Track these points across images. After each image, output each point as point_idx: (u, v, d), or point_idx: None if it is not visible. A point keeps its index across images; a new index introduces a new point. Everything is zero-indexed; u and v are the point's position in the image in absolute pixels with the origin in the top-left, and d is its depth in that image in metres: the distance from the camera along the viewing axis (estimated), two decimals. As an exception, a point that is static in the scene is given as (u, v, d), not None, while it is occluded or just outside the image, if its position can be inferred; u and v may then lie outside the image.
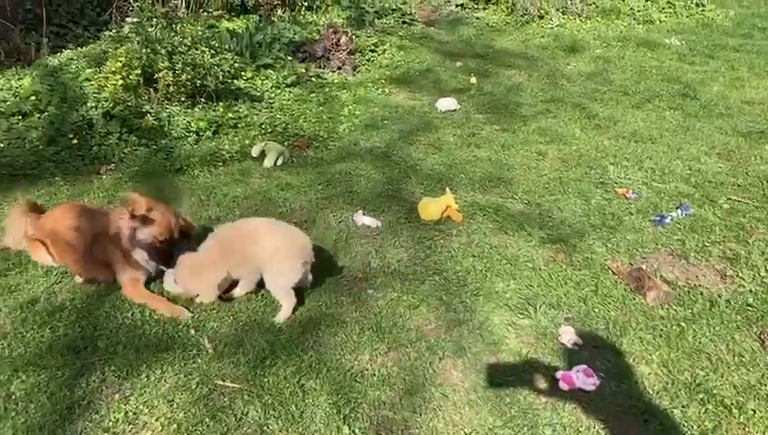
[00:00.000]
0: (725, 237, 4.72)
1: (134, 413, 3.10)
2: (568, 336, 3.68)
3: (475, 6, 11.52)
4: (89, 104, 6.07)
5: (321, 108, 6.93)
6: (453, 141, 6.30)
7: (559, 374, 3.41)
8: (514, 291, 4.08)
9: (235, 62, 7.34)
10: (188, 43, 6.50)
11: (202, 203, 4.98)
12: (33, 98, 6.14)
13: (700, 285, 4.19)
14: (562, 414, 3.19)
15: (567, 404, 3.24)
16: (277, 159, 5.65)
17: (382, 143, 6.21)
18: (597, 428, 3.12)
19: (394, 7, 10.68)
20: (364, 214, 4.87)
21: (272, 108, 6.85)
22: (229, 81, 6.94)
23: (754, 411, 3.23)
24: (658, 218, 4.92)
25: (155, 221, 3.79)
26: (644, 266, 4.32)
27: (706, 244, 4.63)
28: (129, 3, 8.14)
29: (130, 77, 6.21)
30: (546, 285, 4.15)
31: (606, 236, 4.70)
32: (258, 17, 9.28)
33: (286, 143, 6.01)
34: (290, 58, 7.99)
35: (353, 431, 3.06)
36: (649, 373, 3.46)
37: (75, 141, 5.61)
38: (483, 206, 5.07)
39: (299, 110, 6.84)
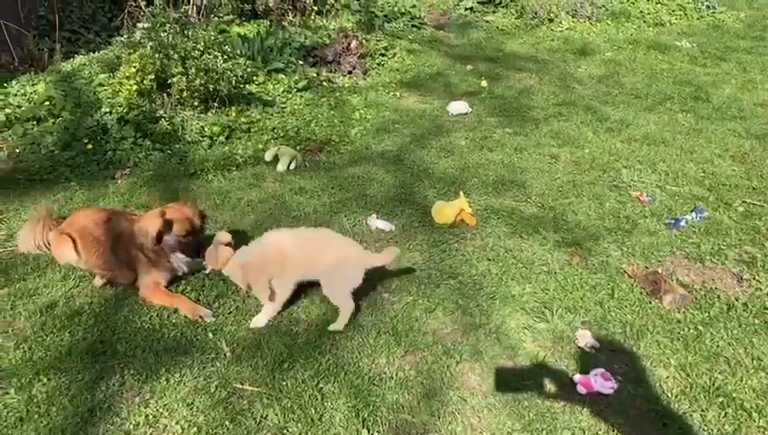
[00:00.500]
0: (741, 240, 4.70)
1: (154, 416, 3.12)
2: (585, 340, 3.68)
3: (485, 10, 11.53)
4: (103, 109, 6.11)
5: (332, 112, 6.96)
6: (465, 145, 6.31)
7: (577, 378, 3.41)
8: (530, 294, 4.08)
9: (247, 66, 7.39)
10: (201, 49, 6.53)
11: (216, 207, 5.00)
12: (48, 103, 6.19)
13: (717, 289, 4.18)
14: (581, 418, 3.19)
15: (585, 408, 3.24)
16: (290, 163, 5.67)
17: (394, 147, 6.22)
18: (615, 431, 3.12)
19: (403, 11, 10.70)
20: (378, 218, 4.88)
21: (283, 112, 6.88)
22: (241, 85, 6.98)
23: (774, 415, 3.22)
24: (673, 221, 4.91)
25: (173, 221, 3.85)
26: (660, 270, 4.32)
27: (722, 247, 4.62)
28: (141, 8, 8.19)
29: (144, 82, 6.25)
30: (562, 289, 4.14)
31: (621, 240, 4.70)
32: (269, 22, 9.32)
33: (299, 147, 6.03)
34: (301, 62, 8.02)
35: (372, 435, 3.07)
36: (667, 377, 3.45)
37: (90, 146, 5.65)
38: (496, 209, 5.08)
39: (310, 114, 6.86)
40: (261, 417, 3.14)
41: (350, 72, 8.11)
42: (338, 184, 5.43)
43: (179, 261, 4.01)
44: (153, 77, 6.31)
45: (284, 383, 3.33)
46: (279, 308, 3.80)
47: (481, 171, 5.74)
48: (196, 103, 6.44)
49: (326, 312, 3.86)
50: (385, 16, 10.28)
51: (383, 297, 4.03)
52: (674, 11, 11.50)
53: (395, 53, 8.94)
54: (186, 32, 6.99)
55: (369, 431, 3.08)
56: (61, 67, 7.22)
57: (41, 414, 3.10)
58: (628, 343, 3.71)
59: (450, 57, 9.15)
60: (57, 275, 4.10)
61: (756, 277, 4.28)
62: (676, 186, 5.52)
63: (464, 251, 4.54)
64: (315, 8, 9.79)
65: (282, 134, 6.33)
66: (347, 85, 7.77)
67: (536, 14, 10.89)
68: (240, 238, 4.54)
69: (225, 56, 6.74)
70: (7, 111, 6.14)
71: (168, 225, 3.85)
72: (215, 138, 6.07)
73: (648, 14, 11.26)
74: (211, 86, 6.44)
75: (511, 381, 3.42)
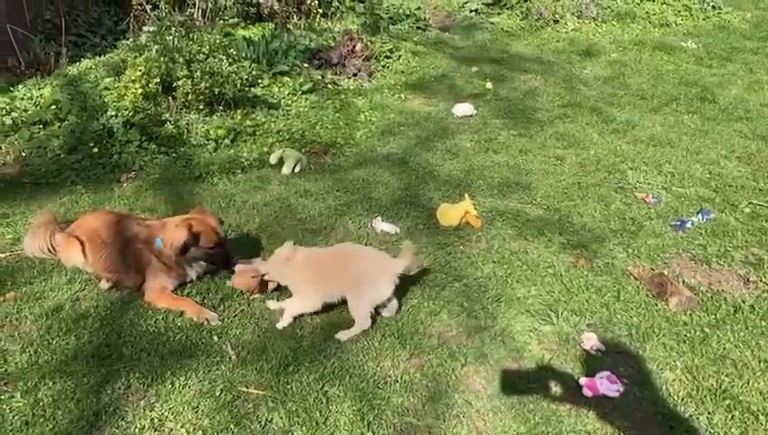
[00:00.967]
0: (748, 242, 4.68)
1: (159, 420, 3.13)
2: (590, 342, 3.67)
3: (490, 11, 11.51)
4: (109, 113, 6.13)
5: (337, 114, 6.96)
6: (470, 147, 6.30)
7: (582, 381, 3.39)
8: (536, 297, 4.07)
9: (252, 69, 7.40)
10: (206, 52, 6.55)
11: (222, 210, 5.01)
12: (54, 107, 6.22)
13: (723, 291, 4.16)
14: (586, 421, 3.18)
15: (591, 411, 3.23)
16: (295, 165, 5.68)
17: (399, 149, 6.22)
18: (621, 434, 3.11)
19: (408, 13, 10.71)
20: (383, 220, 4.88)
21: (289, 115, 6.89)
22: (246, 88, 6.99)
23: (782, 418, 3.20)
24: (679, 223, 4.89)
25: (200, 233, 3.89)
26: (666, 272, 4.30)
27: (728, 248, 4.60)
28: (147, 12, 8.22)
29: (150, 85, 6.27)
30: (567, 291, 4.13)
31: (626, 242, 4.68)
32: (274, 25, 9.33)
33: (304, 150, 6.04)
34: (306, 65, 8.03)
35: (377, 438, 3.07)
36: (674, 380, 3.44)
37: (96, 150, 5.67)
38: (502, 211, 5.07)
39: (316, 116, 6.87)
40: (266, 420, 3.14)
41: (354, 75, 8.12)
42: (343, 187, 5.43)
43: (194, 269, 4.05)
44: (158, 80, 6.33)
45: (289, 387, 3.33)
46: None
47: (486, 173, 5.73)
48: (201, 106, 6.46)
49: (331, 315, 3.85)
50: (390, 18, 10.29)
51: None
52: (679, 11, 11.45)
53: (400, 56, 8.94)
54: (191, 35, 7.02)
55: (373, 434, 3.08)
56: (67, 71, 7.25)
57: (46, 418, 3.10)
58: (633, 345, 3.69)
59: (455, 59, 9.14)
60: (63, 278, 4.11)
61: (763, 279, 4.26)
62: (682, 187, 5.50)
63: (469, 253, 4.53)
64: (320, 11, 9.80)
65: (287, 137, 6.34)
66: (352, 88, 7.78)
67: (541, 15, 10.87)
68: (244, 241, 4.57)
69: (231, 59, 6.76)
70: (14, 114, 6.18)
71: (195, 237, 3.87)
72: (220, 141, 6.09)
73: (654, 14, 11.23)
74: (216, 89, 6.45)
75: (516, 383, 3.41)
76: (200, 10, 8.77)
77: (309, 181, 5.52)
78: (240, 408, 3.21)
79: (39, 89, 6.69)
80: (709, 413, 3.22)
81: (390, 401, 3.28)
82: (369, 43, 8.81)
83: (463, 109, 7.15)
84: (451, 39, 10.23)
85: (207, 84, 6.34)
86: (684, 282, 4.22)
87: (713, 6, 11.68)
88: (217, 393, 3.28)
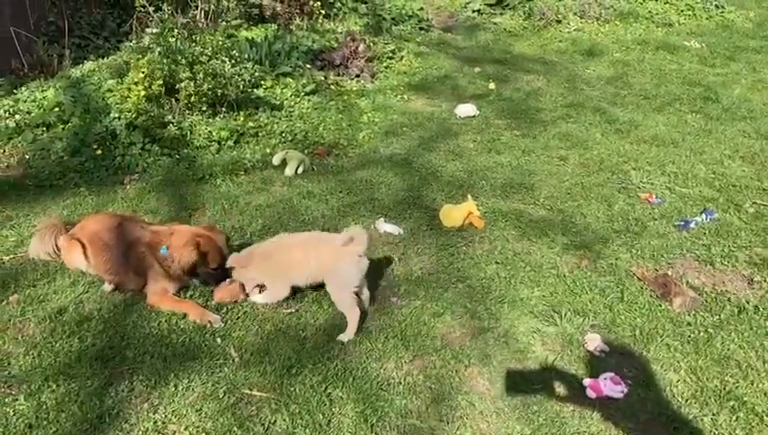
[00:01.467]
0: (752, 242, 4.67)
1: (163, 422, 3.13)
2: (594, 343, 3.66)
3: (492, 12, 11.49)
4: (112, 115, 6.13)
5: (340, 115, 6.96)
6: (473, 147, 6.30)
7: (586, 382, 3.39)
8: (539, 298, 4.07)
9: (255, 71, 7.40)
10: (209, 53, 6.54)
11: (225, 212, 5.01)
12: (57, 109, 6.22)
13: (727, 291, 4.15)
14: (590, 422, 3.18)
15: (595, 412, 3.23)
16: (298, 167, 5.68)
17: (402, 150, 6.22)
18: (626, 436, 3.10)
19: (411, 14, 10.69)
20: (386, 221, 4.88)
21: (291, 116, 6.88)
22: (249, 90, 6.98)
23: (786, 419, 3.19)
24: (683, 223, 4.88)
25: (208, 254, 3.91)
26: (669, 272, 4.29)
27: (732, 249, 4.58)
28: (150, 14, 8.23)
29: (153, 87, 6.27)
30: (571, 292, 4.13)
31: (630, 242, 4.67)
32: (276, 26, 9.34)
33: (306, 151, 6.04)
34: (308, 66, 8.02)
35: (381, 440, 3.07)
36: (678, 381, 3.43)
37: (99, 152, 5.67)
38: (505, 212, 5.06)
39: (318, 118, 6.86)
40: (269, 423, 3.14)
41: (357, 76, 8.11)
42: (346, 188, 5.43)
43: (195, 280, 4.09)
44: (161, 82, 6.32)
45: (293, 389, 3.33)
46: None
47: (489, 174, 5.73)
48: (204, 108, 6.45)
49: (334, 317, 3.85)
50: (392, 19, 10.28)
51: (391, 301, 4.03)
52: (682, 11, 11.43)
53: (402, 56, 8.93)
54: (193, 37, 7.01)
55: (377, 437, 3.08)
56: (70, 73, 7.25)
57: (50, 421, 3.11)
58: (637, 346, 3.69)
59: (458, 59, 9.13)
60: (66, 281, 4.11)
61: (767, 280, 4.25)
62: (686, 187, 5.49)
63: (472, 254, 4.53)
64: (322, 12, 9.79)
65: (290, 138, 6.34)
66: (354, 89, 7.78)
67: (544, 15, 10.85)
68: (248, 244, 4.56)
69: (233, 61, 6.76)
70: (17, 117, 6.18)
71: (202, 257, 3.88)
72: (223, 142, 6.09)
73: (657, 14, 11.20)
74: (219, 91, 6.45)
75: (520, 385, 3.41)
76: (203, 12, 8.76)
77: (312, 183, 5.52)
78: (243, 410, 3.21)
79: (42, 91, 6.69)
80: (713, 414, 3.22)
81: (393, 402, 3.27)
82: (371, 44, 8.80)
83: (466, 109, 7.13)
84: (454, 39, 10.22)
85: (210, 86, 6.34)
86: (688, 282, 4.21)
87: (716, 6, 11.65)
88: (220, 396, 3.29)
